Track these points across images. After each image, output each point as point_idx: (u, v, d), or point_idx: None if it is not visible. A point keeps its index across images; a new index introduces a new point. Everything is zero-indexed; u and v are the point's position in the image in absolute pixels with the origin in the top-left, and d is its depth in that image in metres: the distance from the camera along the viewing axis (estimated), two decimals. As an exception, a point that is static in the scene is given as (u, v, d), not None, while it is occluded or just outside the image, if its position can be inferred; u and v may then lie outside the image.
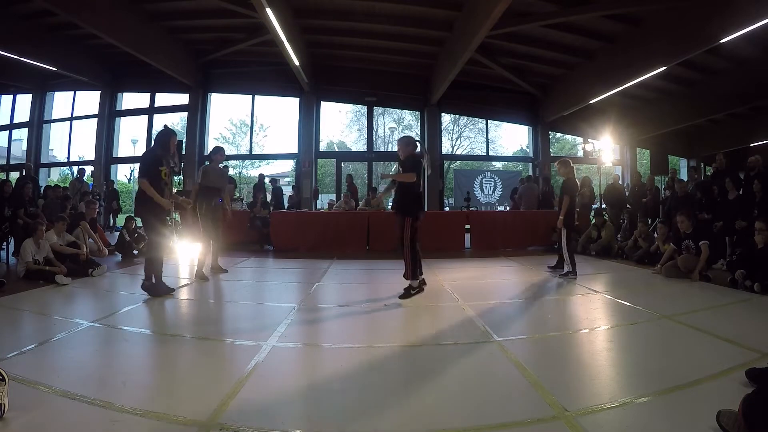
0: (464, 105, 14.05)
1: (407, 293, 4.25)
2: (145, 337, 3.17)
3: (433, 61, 11.79)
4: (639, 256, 6.60)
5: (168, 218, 4.51)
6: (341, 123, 17.97)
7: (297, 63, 10.01)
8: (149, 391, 2.21)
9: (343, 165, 14.54)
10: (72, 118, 14.10)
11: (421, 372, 2.49)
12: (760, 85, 9.72)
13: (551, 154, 14.49)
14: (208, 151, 6.95)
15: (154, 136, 4.58)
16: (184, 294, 4.60)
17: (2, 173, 11.87)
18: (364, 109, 15.10)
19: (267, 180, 11.51)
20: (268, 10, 7.53)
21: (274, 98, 14.32)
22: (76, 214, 7.19)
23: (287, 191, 14.13)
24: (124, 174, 16.09)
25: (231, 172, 10.75)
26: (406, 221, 4.28)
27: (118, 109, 13.76)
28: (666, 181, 9.43)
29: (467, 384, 2.33)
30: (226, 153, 6.49)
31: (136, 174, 5.63)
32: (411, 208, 4.31)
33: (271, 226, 8.54)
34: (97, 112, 13.52)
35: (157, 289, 4.21)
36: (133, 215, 6.85)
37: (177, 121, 17.27)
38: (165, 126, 4.50)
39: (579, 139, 15.50)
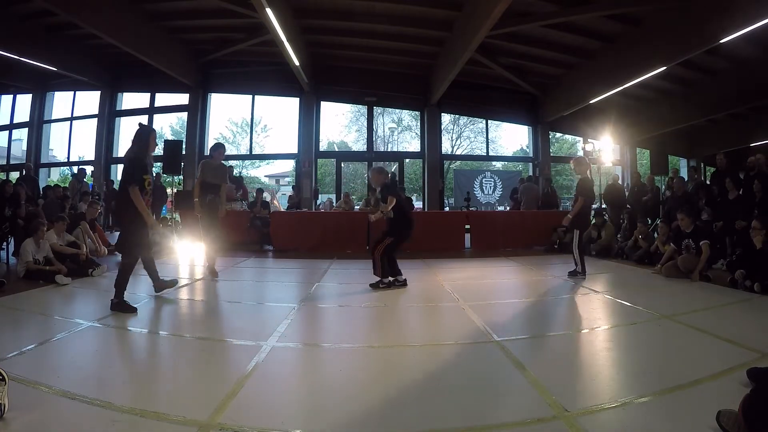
0: (464, 105, 14.03)
1: (377, 285, 4.78)
2: (145, 336, 3.17)
3: (433, 61, 11.78)
4: (639, 256, 6.60)
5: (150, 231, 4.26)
6: (341, 123, 17.94)
7: (297, 63, 10.01)
8: (149, 391, 2.21)
9: (343, 165, 14.54)
10: (72, 118, 14.08)
11: (421, 372, 2.49)
12: (760, 85, 9.70)
13: (551, 154, 14.49)
14: (209, 151, 6.88)
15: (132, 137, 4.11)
16: (184, 294, 4.60)
17: (2, 173, 11.85)
18: (364, 109, 15.09)
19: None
20: (268, 10, 7.53)
21: (274, 98, 14.30)
22: (76, 214, 7.18)
23: (287, 191, 14.15)
24: (124, 174, 16.06)
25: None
26: (387, 239, 4.79)
27: (118, 109, 13.75)
28: (666, 181, 9.41)
29: (467, 384, 2.33)
30: (226, 153, 6.42)
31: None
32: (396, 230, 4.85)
33: (271, 226, 8.54)
34: (97, 112, 13.50)
35: (123, 307, 3.67)
36: None
37: (176, 121, 17.32)
38: (140, 124, 4.11)
39: (579, 139, 15.48)
